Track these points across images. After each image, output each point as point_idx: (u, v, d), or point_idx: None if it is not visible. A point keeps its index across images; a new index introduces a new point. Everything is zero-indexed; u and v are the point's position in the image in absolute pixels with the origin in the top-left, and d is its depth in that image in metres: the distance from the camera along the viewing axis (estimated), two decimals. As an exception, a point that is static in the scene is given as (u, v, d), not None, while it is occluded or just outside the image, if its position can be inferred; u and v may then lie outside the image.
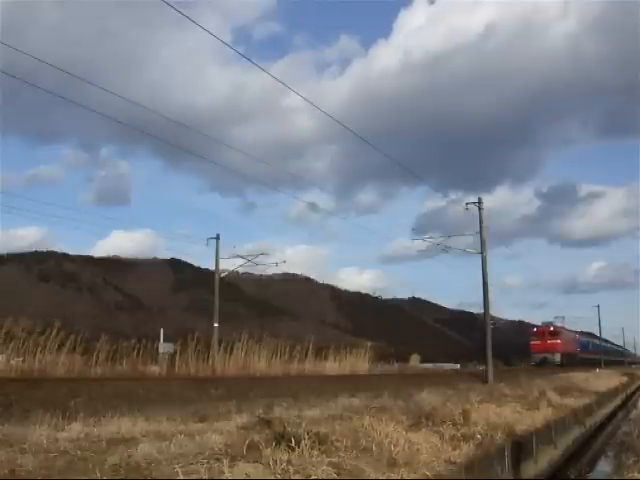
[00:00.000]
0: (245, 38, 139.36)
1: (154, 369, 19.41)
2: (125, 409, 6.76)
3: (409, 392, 11.33)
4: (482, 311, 26.25)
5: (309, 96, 77.05)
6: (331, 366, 26.88)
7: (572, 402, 16.30)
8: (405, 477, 5.19)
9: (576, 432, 14.41)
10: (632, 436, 10.12)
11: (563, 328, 56.82)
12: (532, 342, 54.02)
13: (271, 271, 78.03)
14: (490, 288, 25.30)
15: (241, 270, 36.56)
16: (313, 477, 4.46)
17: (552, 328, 53.20)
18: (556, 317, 62.15)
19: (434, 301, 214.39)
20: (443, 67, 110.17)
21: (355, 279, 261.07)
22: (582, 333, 75.84)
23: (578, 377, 28.68)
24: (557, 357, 50.39)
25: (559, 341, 51.56)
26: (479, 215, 24.58)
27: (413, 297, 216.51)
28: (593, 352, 70.62)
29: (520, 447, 8.70)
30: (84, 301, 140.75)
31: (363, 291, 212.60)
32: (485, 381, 21.23)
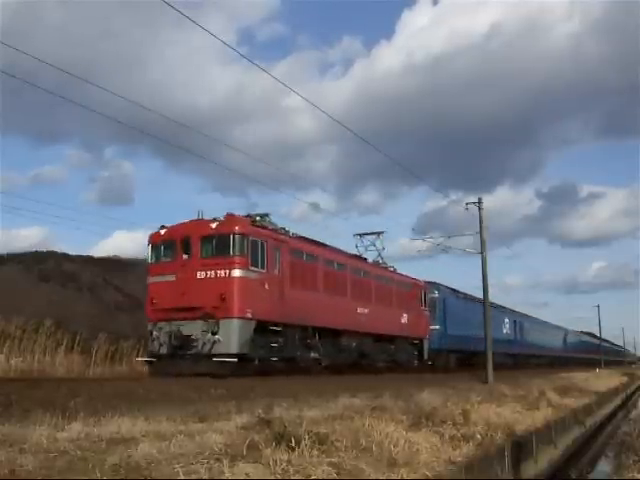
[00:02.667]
0: (249, 38, 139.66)
1: (154, 369, 19.41)
2: (125, 409, 6.74)
3: (409, 392, 11.33)
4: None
5: (311, 96, 76.94)
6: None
7: (572, 402, 16.33)
8: (405, 477, 5.19)
9: (576, 432, 14.43)
10: (632, 436, 10.15)
11: (279, 230, 17.91)
12: (150, 282, 16.47)
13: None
14: (490, 289, 25.20)
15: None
16: (313, 477, 4.45)
17: (214, 226, 15.66)
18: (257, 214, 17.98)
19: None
20: (445, 68, 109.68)
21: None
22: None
23: (578, 377, 28.76)
24: (230, 334, 14.82)
25: (238, 274, 15.18)
26: (479, 215, 24.55)
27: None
28: (535, 347, 42.67)
29: (520, 447, 8.71)
30: (84, 301, 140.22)
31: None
32: (485, 381, 21.21)
